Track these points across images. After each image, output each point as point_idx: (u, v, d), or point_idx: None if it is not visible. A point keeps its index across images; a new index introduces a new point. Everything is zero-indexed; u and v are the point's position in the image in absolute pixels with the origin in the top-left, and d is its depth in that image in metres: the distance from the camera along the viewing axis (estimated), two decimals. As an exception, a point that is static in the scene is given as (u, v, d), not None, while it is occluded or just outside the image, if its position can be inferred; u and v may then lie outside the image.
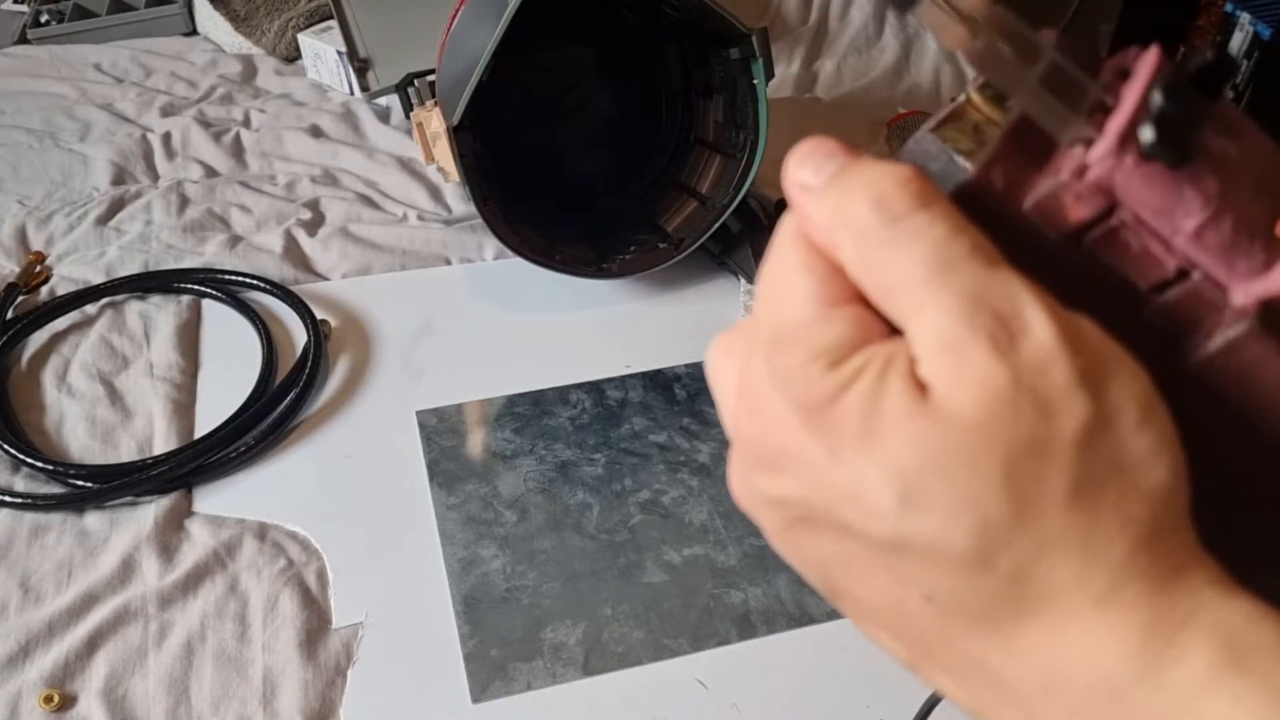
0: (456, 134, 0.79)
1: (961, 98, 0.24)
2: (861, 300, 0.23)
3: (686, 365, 0.81)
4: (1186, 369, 0.23)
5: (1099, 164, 0.22)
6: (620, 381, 0.79)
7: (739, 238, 0.89)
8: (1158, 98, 0.21)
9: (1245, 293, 0.22)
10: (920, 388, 0.21)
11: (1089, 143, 0.22)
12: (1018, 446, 0.21)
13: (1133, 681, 0.21)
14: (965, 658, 0.23)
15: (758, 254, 0.87)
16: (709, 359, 0.27)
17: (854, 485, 0.22)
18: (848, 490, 0.22)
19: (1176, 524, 0.22)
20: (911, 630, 0.23)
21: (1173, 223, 0.22)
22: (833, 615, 0.61)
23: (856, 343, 0.22)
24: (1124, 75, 0.22)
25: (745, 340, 0.25)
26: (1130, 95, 0.22)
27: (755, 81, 0.84)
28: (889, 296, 0.22)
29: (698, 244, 0.87)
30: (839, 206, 0.23)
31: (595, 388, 0.78)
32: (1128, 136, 0.22)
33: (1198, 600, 0.21)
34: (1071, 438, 0.21)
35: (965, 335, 0.21)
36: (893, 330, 0.23)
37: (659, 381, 0.79)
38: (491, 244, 0.93)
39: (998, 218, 0.23)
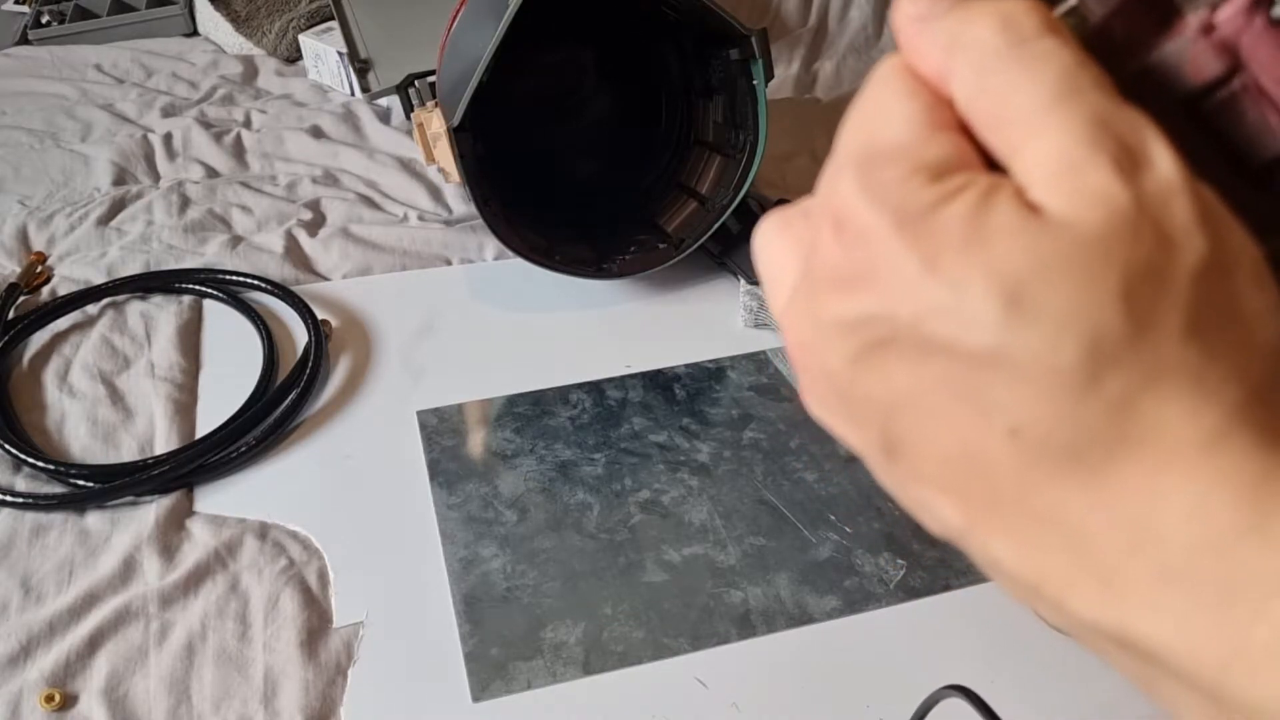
0: (457, 135, 0.80)
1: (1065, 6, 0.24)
2: (966, 133, 0.22)
3: (686, 365, 0.81)
4: None
5: (1227, 23, 0.22)
6: (620, 381, 0.79)
7: (739, 238, 0.89)
8: None
9: None
10: (1031, 208, 0.20)
11: (1216, 6, 0.22)
12: (1138, 266, 0.19)
13: (1238, 536, 0.19)
14: (1041, 511, 0.21)
15: (757, 254, 0.87)
16: (759, 233, 0.25)
17: (951, 293, 0.20)
18: (943, 299, 0.20)
19: None
20: (982, 480, 0.21)
21: None
22: (832, 615, 0.61)
23: (960, 164, 0.21)
24: None
25: (812, 200, 0.24)
26: None
27: (755, 82, 0.84)
28: (1003, 123, 0.21)
29: (698, 244, 0.87)
30: (959, 30, 0.22)
31: (595, 388, 0.78)
32: None
33: None
34: (1191, 272, 0.19)
35: (1087, 155, 0.20)
36: (993, 171, 0.21)
37: (659, 381, 0.79)
38: (492, 244, 0.94)
39: (1112, 73, 0.22)
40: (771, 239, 0.25)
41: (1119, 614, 0.21)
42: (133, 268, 0.90)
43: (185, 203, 1.00)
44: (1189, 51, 0.22)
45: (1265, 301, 0.20)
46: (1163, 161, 0.20)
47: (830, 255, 0.22)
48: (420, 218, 0.98)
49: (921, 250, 0.20)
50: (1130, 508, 0.20)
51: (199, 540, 0.65)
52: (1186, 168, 0.20)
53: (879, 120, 0.22)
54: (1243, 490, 0.19)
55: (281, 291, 0.85)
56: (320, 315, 0.83)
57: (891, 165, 0.21)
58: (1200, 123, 0.23)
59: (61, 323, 0.83)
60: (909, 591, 0.62)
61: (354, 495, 0.69)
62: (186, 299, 0.86)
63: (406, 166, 1.05)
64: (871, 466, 0.24)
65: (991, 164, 0.22)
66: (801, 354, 0.24)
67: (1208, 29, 0.22)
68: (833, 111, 1.20)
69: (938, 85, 0.22)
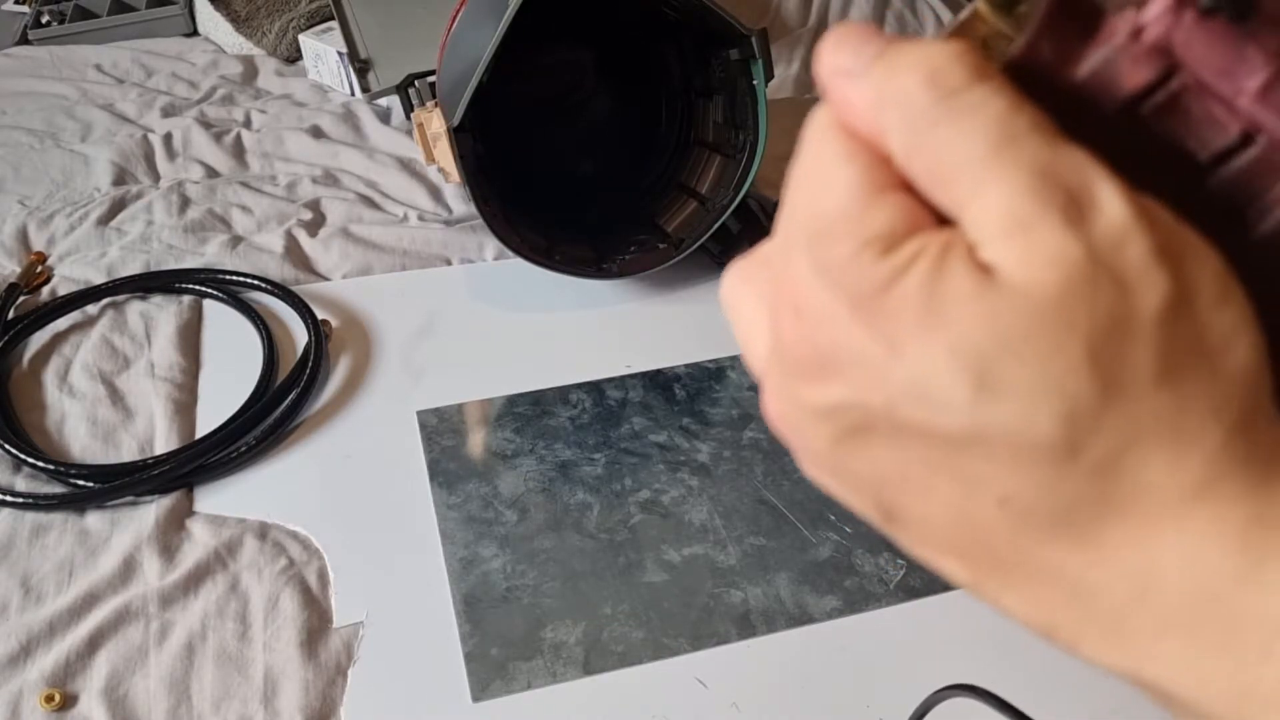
0: (457, 135, 0.80)
1: (968, 11, 0.23)
2: (908, 190, 0.21)
3: (686, 365, 0.81)
4: (1253, 241, 0.22)
5: (1156, 23, 0.21)
6: (620, 381, 0.79)
7: (739, 238, 0.89)
8: None
9: None
10: (984, 270, 0.19)
11: (1141, 5, 0.21)
12: (1099, 325, 0.19)
13: (1235, 582, 0.19)
14: (1040, 570, 0.21)
15: (757, 254, 0.87)
16: (724, 290, 0.25)
17: (919, 377, 0.20)
18: (912, 384, 0.20)
19: (1263, 409, 0.20)
20: (979, 545, 0.21)
21: (1235, 83, 0.21)
22: (832, 615, 0.61)
23: (908, 229, 0.20)
24: None
25: (771, 255, 0.23)
26: None
27: (755, 82, 0.84)
28: (943, 179, 0.20)
29: (698, 244, 0.87)
30: (886, 85, 0.21)
31: (595, 388, 0.78)
32: None
33: None
34: (1153, 315, 0.19)
35: (1034, 211, 0.19)
36: (943, 223, 0.21)
37: (659, 381, 0.79)
38: (491, 244, 0.94)
39: (1046, 95, 0.22)
40: (736, 295, 0.25)
41: (1130, 660, 0.21)
42: (133, 268, 0.90)
43: (185, 203, 1.00)
44: (1122, 58, 0.22)
45: (1230, 320, 0.20)
46: (1110, 202, 0.19)
47: (796, 340, 0.22)
48: (420, 218, 0.98)
49: (881, 333, 0.20)
50: (1126, 563, 0.20)
51: (199, 540, 0.65)
52: (1135, 199, 0.20)
53: (819, 187, 0.21)
54: (1232, 535, 0.19)
55: (281, 291, 0.85)
56: (320, 315, 0.83)
57: (839, 241, 0.21)
58: (1144, 127, 0.22)
59: (61, 323, 0.83)
60: (909, 591, 0.62)
61: (354, 495, 0.69)
62: (186, 299, 0.86)
63: (406, 166, 1.05)
64: (877, 528, 0.24)
65: (942, 215, 0.21)
66: (784, 428, 0.23)
67: (1137, 32, 0.21)
68: (833, 111, 1.19)
69: (874, 140, 0.21)
